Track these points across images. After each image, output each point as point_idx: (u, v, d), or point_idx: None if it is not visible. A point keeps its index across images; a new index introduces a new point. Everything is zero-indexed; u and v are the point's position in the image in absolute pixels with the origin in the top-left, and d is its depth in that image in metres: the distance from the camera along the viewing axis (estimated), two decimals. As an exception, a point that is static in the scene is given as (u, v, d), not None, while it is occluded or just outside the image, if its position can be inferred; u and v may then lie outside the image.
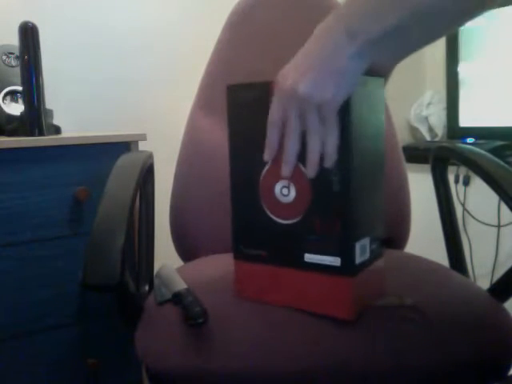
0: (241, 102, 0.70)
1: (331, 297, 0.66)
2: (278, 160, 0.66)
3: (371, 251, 0.68)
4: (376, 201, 0.69)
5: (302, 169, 0.65)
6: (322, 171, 0.63)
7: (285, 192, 0.67)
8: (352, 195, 0.62)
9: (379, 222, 0.71)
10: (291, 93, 0.59)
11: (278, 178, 0.67)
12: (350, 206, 0.63)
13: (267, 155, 0.66)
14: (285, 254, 0.69)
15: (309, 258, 0.66)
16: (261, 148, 0.67)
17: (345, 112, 0.60)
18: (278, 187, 0.68)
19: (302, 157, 0.64)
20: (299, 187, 0.66)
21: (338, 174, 0.62)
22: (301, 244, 0.67)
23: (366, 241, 0.66)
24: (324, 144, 0.61)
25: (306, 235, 0.66)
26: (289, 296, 0.70)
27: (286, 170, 0.65)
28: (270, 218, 0.69)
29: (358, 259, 0.65)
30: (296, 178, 0.66)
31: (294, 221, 0.67)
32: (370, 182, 0.67)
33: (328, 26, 0.59)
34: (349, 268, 0.64)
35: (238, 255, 0.74)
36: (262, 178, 0.69)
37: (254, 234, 0.71)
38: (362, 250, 0.66)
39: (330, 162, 0.62)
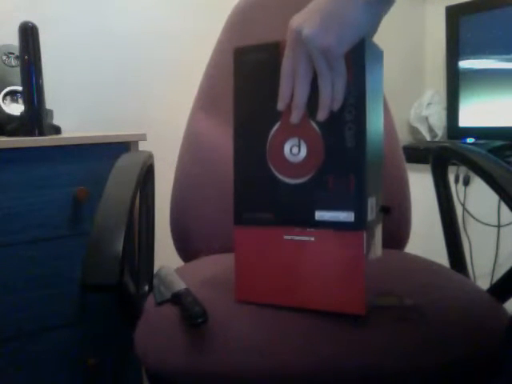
0: (249, 64, 0.70)
1: (343, 265, 0.65)
2: (287, 119, 0.67)
3: (376, 213, 0.69)
4: (378, 163, 0.70)
5: (314, 125, 0.65)
6: (335, 127, 0.64)
7: (295, 151, 0.67)
8: (366, 149, 0.63)
9: (381, 186, 0.72)
10: (296, 35, 0.61)
11: (288, 136, 0.67)
12: (364, 160, 0.63)
13: (279, 105, 0.67)
14: (294, 214, 0.68)
15: (320, 215, 0.66)
16: (268, 109, 0.67)
17: (360, 59, 0.62)
18: (287, 146, 0.68)
19: (313, 113, 0.65)
20: (311, 145, 0.66)
21: (352, 127, 0.63)
22: (311, 202, 0.67)
23: (373, 200, 0.67)
24: (333, 88, 0.63)
25: (317, 193, 0.66)
26: (292, 271, 0.69)
27: (296, 115, 0.66)
28: (278, 178, 0.69)
29: (369, 216, 0.66)
30: (307, 135, 0.66)
31: (304, 179, 0.67)
32: (374, 144, 0.67)
33: None
34: (362, 223, 0.64)
35: (241, 221, 0.72)
36: (269, 138, 0.69)
37: (260, 197, 0.70)
38: (371, 207, 0.66)
39: (338, 104, 0.63)
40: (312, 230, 0.67)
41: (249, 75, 0.70)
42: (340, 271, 0.66)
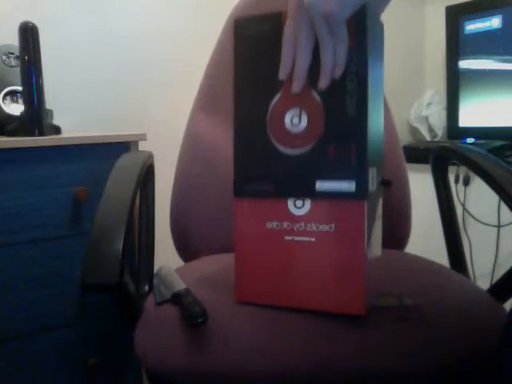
0: (250, 35, 0.69)
1: (344, 261, 0.65)
2: (288, 89, 0.66)
3: (377, 185, 0.69)
4: (379, 134, 0.69)
5: (315, 95, 0.65)
6: (336, 96, 0.64)
7: (295, 121, 0.67)
8: (368, 118, 0.63)
9: (382, 159, 0.71)
10: (298, 1, 0.61)
11: (289, 106, 0.67)
12: (365, 129, 0.63)
13: (281, 74, 0.66)
14: (294, 185, 0.67)
15: (320, 185, 0.66)
16: (269, 80, 0.67)
17: (362, 25, 0.62)
18: (288, 117, 0.67)
19: (314, 82, 0.64)
20: (311, 115, 0.66)
21: (354, 96, 0.63)
22: (312, 172, 0.66)
23: (374, 171, 0.67)
24: (334, 54, 0.62)
25: (318, 163, 0.65)
26: (292, 272, 0.68)
27: (297, 84, 0.65)
28: (278, 149, 0.68)
29: (370, 186, 0.65)
30: (308, 105, 0.66)
31: (305, 150, 0.66)
32: (376, 115, 0.67)
33: None
34: (363, 192, 0.63)
35: (241, 192, 0.71)
36: (270, 109, 0.68)
37: (261, 168, 0.69)
38: (372, 178, 0.66)
39: (339, 72, 0.63)
40: (312, 201, 0.66)
41: (249, 46, 0.70)
42: (340, 268, 0.65)
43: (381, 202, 0.74)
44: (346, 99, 0.63)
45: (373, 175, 0.66)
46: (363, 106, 0.63)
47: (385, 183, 0.74)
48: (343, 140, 0.64)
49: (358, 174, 0.64)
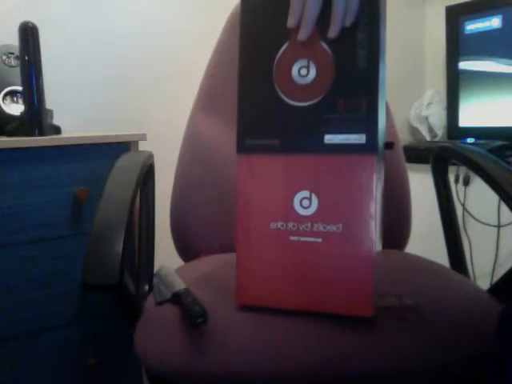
0: None
1: (351, 260, 0.63)
2: (296, 39, 0.65)
3: (382, 147, 0.68)
4: (384, 95, 0.69)
5: (324, 46, 0.64)
6: (347, 47, 0.63)
7: (303, 72, 0.65)
8: (379, 71, 0.62)
9: (384, 124, 0.70)
10: None
11: (297, 57, 0.65)
12: (376, 81, 0.62)
13: (290, 21, 0.64)
14: (301, 139, 0.65)
15: (329, 139, 0.64)
16: (276, 29, 0.66)
17: None
18: (295, 68, 0.65)
19: (323, 33, 0.63)
20: (320, 66, 0.64)
21: (365, 47, 0.62)
22: (320, 125, 0.64)
23: (382, 128, 0.66)
24: (346, 1, 0.61)
25: (327, 115, 0.64)
26: (298, 274, 0.66)
27: (305, 31, 0.64)
28: (285, 101, 0.66)
29: (380, 142, 0.64)
30: (317, 56, 0.64)
31: (313, 102, 0.65)
32: (382, 70, 0.66)
33: None
34: (373, 145, 0.62)
35: (244, 148, 0.68)
36: (277, 59, 0.66)
37: (265, 121, 0.66)
38: (380, 135, 0.65)
39: (350, 19, 0.62)
40: (320, 157, 0.64)
41: (256, 6, 0.68)
42: (348, 270, 0.64)
43: (382, 183, 0.71)
44: (356, 51, 0.62)
45: (381, 132, 0.65)
46: (374, 58, 0.62)
47: (387, 146, 0.72)
48: (353, 92, 0.63)
49: (369, 126, 0.62)
